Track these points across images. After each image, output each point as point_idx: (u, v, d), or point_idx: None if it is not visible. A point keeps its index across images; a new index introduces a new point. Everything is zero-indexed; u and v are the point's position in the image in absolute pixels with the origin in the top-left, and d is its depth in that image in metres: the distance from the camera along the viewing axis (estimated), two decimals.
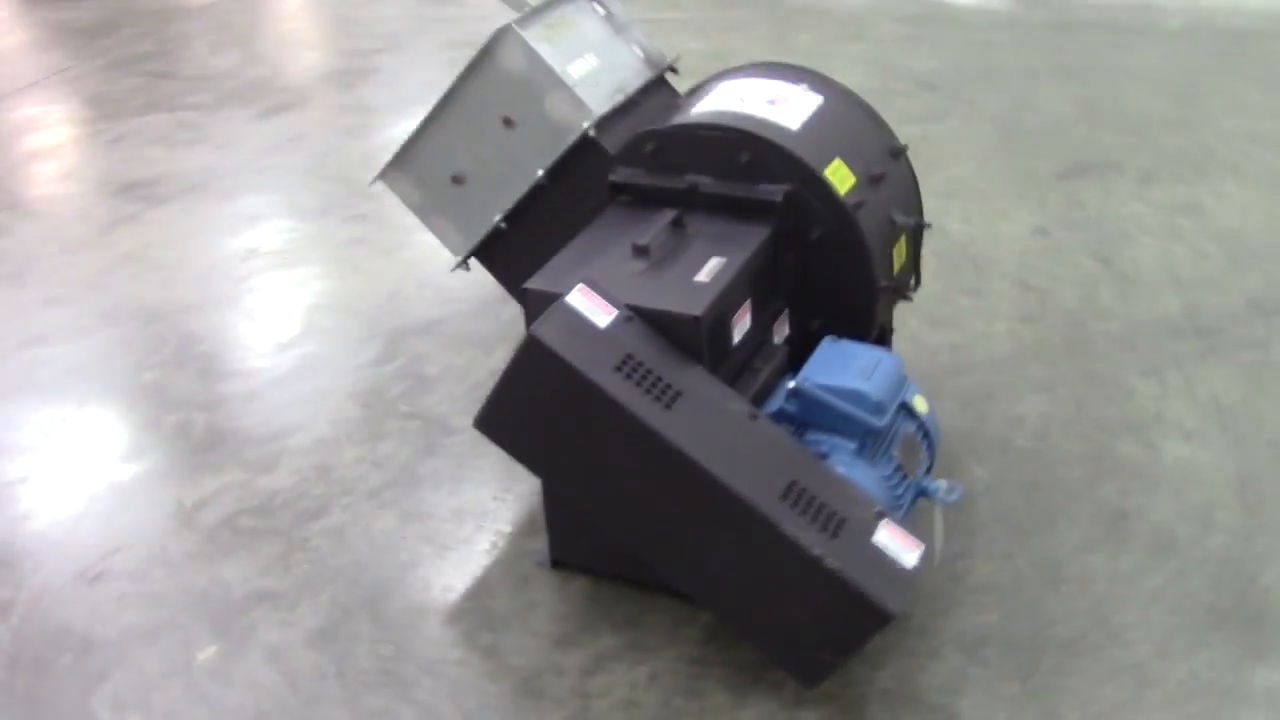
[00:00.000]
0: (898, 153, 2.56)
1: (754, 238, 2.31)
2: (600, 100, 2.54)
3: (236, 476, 2.88)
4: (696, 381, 2.09)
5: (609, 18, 2.74)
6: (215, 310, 3.63)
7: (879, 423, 2.14)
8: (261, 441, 3.00)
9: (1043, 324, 3.23)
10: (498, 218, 2.65)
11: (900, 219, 2.46)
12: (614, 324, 2.09)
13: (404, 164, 2.72)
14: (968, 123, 4.52)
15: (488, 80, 2.54)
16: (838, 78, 2.61)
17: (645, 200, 2.43)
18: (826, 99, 2.52)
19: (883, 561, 2.01)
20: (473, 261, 2.80)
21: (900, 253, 2.50)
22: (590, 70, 2.59)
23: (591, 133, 2.48)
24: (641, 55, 2.75)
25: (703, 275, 2.20)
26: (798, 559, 1.98)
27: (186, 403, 3.18)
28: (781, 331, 2.45)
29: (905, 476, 2.21)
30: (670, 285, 2.18)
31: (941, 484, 2.26)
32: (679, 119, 2.44)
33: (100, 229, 4.21)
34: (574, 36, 2.63)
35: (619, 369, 2.04)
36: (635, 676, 2.26)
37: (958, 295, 3.38)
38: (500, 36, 2.49)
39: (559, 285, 2.15)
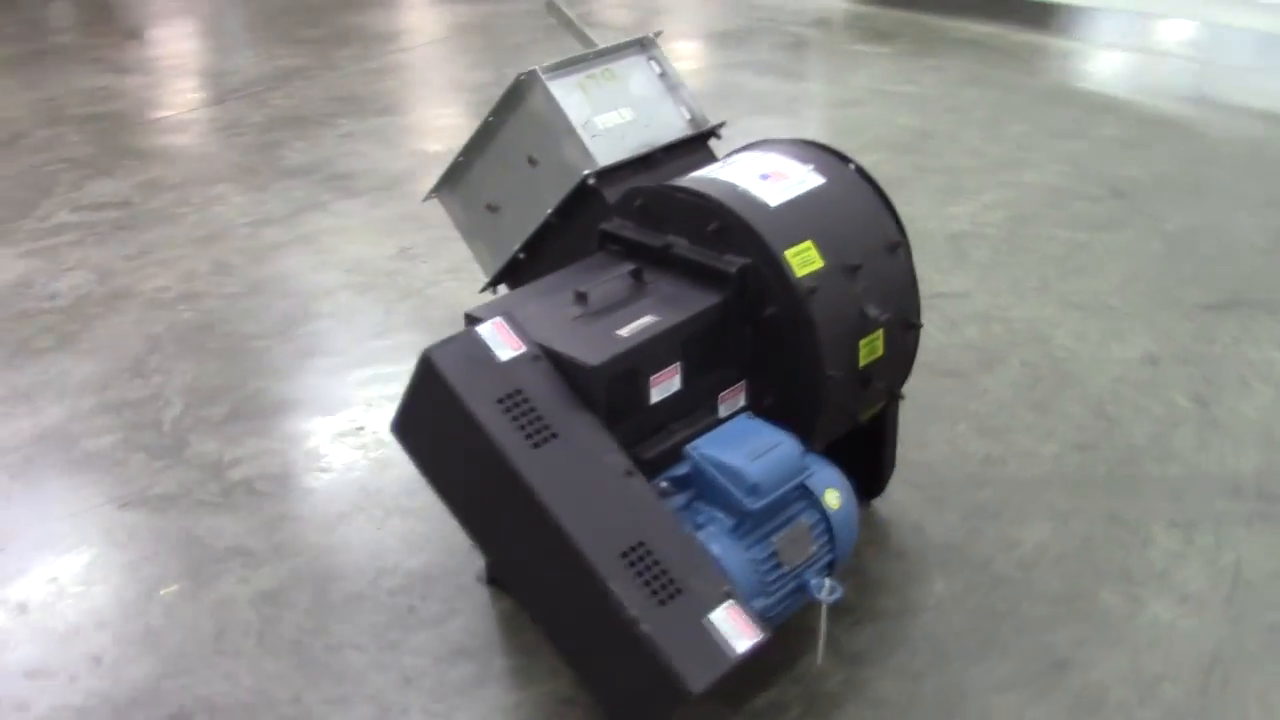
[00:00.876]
0: (894, 247, 2.51)
1: (701, 304, 2.34)
2: (614, 152, 2.64)
3: (275, 445, 3.17)
4: (579, 429, 2.15)
5: (663, 76, 2.84)
6: (341, 296, 3.97)
7: (753, 505, 2.13)
8: (316, 418, 3.28)
9: (1095, 454, 3.03)
10: (517, 248, 2.80)
11: (874, 312, 2.41)
12: (516, 360, 2.19)
13: (451, 185, 2.92)
14: (1139, 237, 4.25)
15: (518, 119, 2.70)
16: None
17: (630, 252, 2.51)
18: (830, 182, 2.51)
19: (705, 639, 2.00)
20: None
21: (873, 347, 2.45)
22: (620, 123, 2.70)
23: (591, 181, 2.58)
24: (688, 116, 2.83)
25: (626, 330, 2.26)
26: (618, 618, 2.00)
27: (272, 371, 3.52)
28: (734, 403, 2.46)
29: (780, 565, 2.18)
30: (590, 334, 2.25)
31: (825, 582, 2.21)
32: (671, 180, 2.50)
33: (292, 210, 4.67)
34: (615, 89, 2.74)
35: (501, 401, 2.13)
36: (503, 701, 2.35)
37: (1023, 409, 3.23)
38: (527, 80, 2.64)
39: (492, 315, 2.27)
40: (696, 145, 2.82)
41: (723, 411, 2.44)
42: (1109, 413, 3.20)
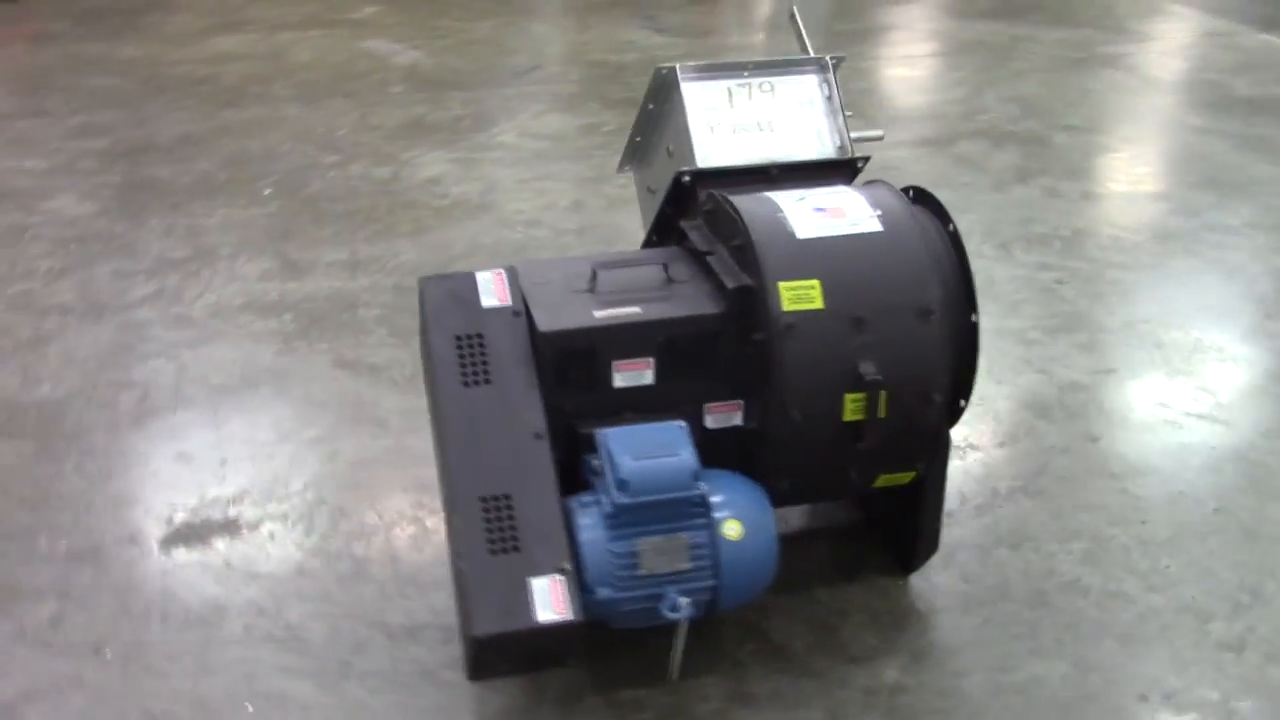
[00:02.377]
0: (925, 313, 2.37)
1: (690, 311, 2.40)
2: (728, 158, 2.73)
3: None
4: (515, 383, 2.36)
5: (829, 100, 2.84)
6: None
7: (618, 499, 2.21)
8: None
9: (1206, 619, 2.61)
10: (648, 230, 2.98)
11: (867, 370, 2.32)
12: (496, 309, 2.43)
13: (634, 162, 3.15)
14: None
15: (665, 110, 2.87)
16: None
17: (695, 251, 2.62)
18: (887, 233, 2.43)
19: (515, 598, 2.15)
20: None
21: (857, 407, 2.36)
22: (754, 134, 2.78)
23: (685, 179, 2.70)
24: (836, 143, 2.82)
25: (603, 312, 2.40)
26: (453, 550, 2.22)
27: None
28: (725, 418, 2.49)
29: (638, 567, 2.23)
30: (570, 307, 2.41)
31: (681, 601, 2.23)
32: (735, 193, 2.56)
33: None
34: (766, 101, 2.81)
35: (459, 338, 2.39)
36: None
37: (1166, 552, 2.81)
38: (667, 75, 2.80)
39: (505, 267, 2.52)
40: (829, 171, 2.79)
41: (709, 423, 2.48)
42: (1256, 586, 2.71)
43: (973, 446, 3.17)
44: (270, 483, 3.01)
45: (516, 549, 2.20)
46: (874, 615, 2.61)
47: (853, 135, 2.91)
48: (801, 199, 2.51)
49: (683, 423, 2.37)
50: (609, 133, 5.52)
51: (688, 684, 2.41)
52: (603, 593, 2.24)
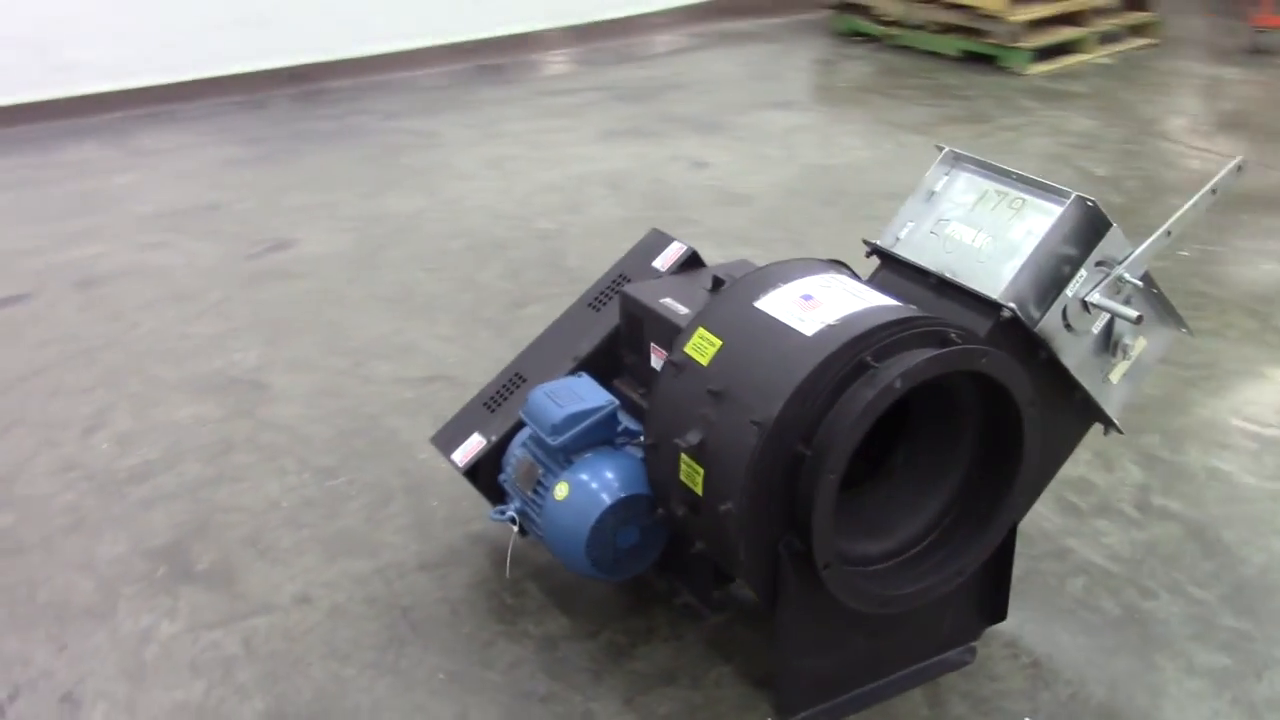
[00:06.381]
0: (755, 425, 2.20)
1: None
2: (914, 247, 2.58)
3: None
4: (604, 321, 2.91)
5: (1045, 236, 2.39)
6: None
7: (522, 410, 2.73)
8: None
9: None
10: None
11: (688, 438, 2.32)
12: (657, 270, 2.93)
13: None
14: None
15: None
16: None
17: None
18: (805, 339, 2.26)
19: (462, 436, 2.92)
20: None
21: (685, 467, 2.36)
22: (964, 241, 2.51)
23: (868, 251, 2.65)
24: (1007, 283, 2.39)
25: (664, 300, 2.73)
26: None
27: None
28: None
29: (511, 473, 2.74)
30: (669, 291, 2.77)
31: (509, 512, 2.70)
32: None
33: None
34: (1004, 218, 2.45)
35: (620, 276, 2.98)
36: None
37: None
38: (940, 153, 2.65)
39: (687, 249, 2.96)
40: (974, 305, 2.40)
41: None
42: None
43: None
44: None
45: (492, 411, 2.92)
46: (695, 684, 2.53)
47: (1101, 301, 2.42)
48: (821, 285, 2.42)
49: (613, 400, 2.67)
50: None
51: (520, 604, 2.81)
52: (500, 476, 2.83)
